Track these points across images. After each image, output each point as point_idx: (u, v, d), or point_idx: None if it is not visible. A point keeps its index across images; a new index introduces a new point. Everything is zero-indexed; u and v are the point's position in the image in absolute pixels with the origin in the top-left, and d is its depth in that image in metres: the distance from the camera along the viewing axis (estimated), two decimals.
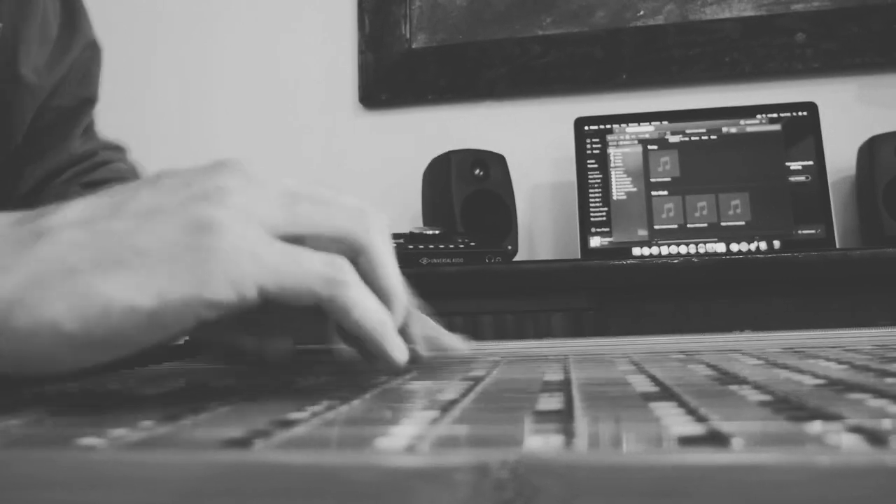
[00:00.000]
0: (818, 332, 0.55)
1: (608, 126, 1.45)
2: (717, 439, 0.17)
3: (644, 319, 1.07)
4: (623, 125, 1.45)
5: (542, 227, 1.64)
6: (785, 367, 0.33)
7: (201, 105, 1.75)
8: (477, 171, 1.42)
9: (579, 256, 1.40)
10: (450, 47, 1.66)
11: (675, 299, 1.09)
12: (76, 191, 0.60)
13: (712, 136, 1.42)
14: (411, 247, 1.16)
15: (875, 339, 0.49)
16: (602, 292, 1.08)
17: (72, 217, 0.24)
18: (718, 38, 1.57)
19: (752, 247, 1.36)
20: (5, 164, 0.60)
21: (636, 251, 1.39)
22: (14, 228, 0.24)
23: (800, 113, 1.41)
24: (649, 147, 1.43)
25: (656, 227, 1.40)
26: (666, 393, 0.25)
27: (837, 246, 1.35)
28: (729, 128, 1.42)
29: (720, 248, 1.37)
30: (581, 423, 0.19)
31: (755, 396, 0.23)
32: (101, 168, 0.64)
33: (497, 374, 0.33)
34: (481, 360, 0.40)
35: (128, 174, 0.65)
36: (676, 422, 0.18)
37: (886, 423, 0.18)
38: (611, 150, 1.44)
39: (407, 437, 0.18)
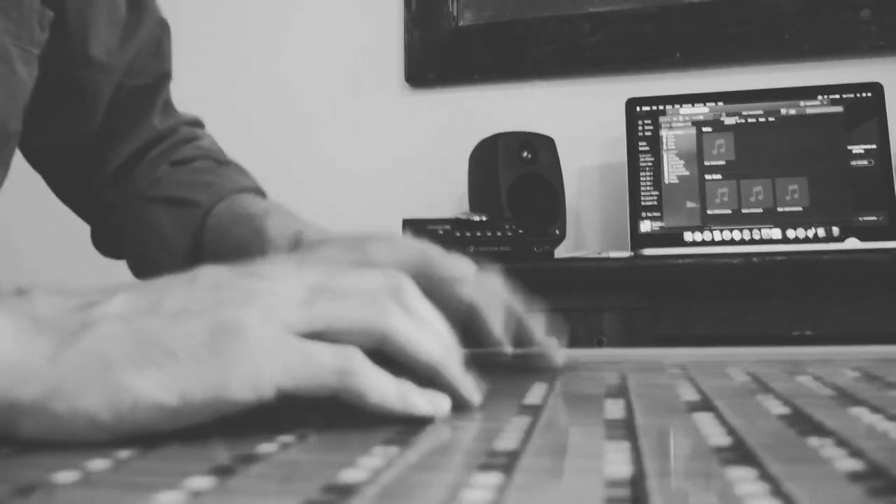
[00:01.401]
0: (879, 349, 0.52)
1: (661, 107, 1.41)
2: None
3: (697, 319, 1.04)
4: (676, 106, 1.41)
5: (591, 212, 1.61)
6: (865, 403, 0.31)
7: (244, 84, 1.75)
8: (525, 154, 1.39)
9: (629, 242, 1.37)
10: (497, 25, 1.63)
11: (729, 298, 1.06)
12: (165, 170, 0.61)
13: (770, 118, 1.37)
14: (458, 234, 1.14)
15: None
16: (654, 290, 1.05)
17: (113, 311, 0.26)
18: (777, 14, 1.51)
19: (810, 233, 1.32)
20: (89, 147, 0.60)
21: (688, 236, 1.35)
22: (67, 316, 0.26)
23: (863, 94, 1.35)
24: (703, 129, 1.39)
25: (709, 211, 1.36)
26: (741, 454, 0.23)
27: None
28: (788, 109, 1.37)
29: (776, 234, 1.33)
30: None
31: (842, 463, 0.21)
32: (187, 145, 0.64)
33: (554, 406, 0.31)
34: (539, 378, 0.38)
35: (211, 151, 0.64)
36: None
37: None
38: (663, 133, 1.40)
39: None
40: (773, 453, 0.23)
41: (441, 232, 1.13)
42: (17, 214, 1.63)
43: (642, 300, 1.03)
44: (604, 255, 1.38)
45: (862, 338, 0.62)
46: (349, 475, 0.21)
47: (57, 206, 0.67)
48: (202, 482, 0.20)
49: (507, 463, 0.22)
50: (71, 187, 0.64)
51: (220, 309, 0.26)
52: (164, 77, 0.63)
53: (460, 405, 0.30)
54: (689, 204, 1.37)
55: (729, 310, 1.03)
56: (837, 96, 1.35)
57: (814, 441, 0.24)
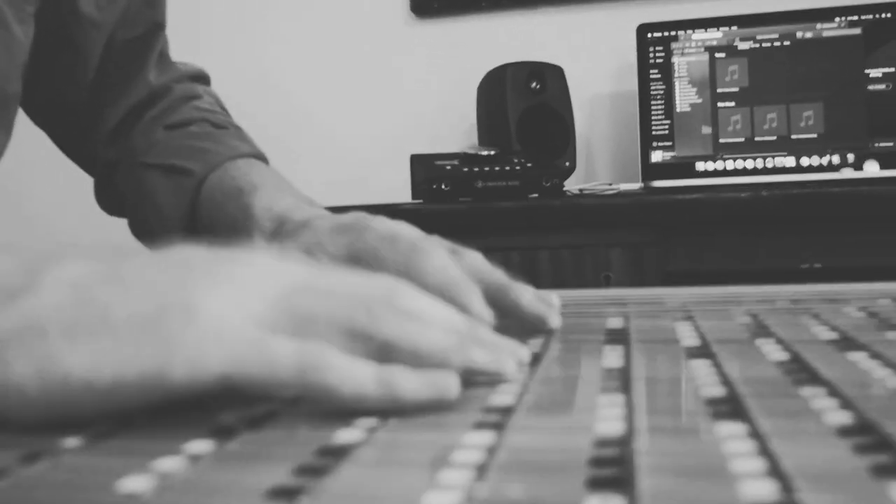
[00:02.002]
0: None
1: (673, 33, 1.38)
2: None
3: (705, 254, 1.03)
4: (689, 31, 1.37)
5: (602, 142, 1.59)
6: (864, 349, 0.31)
7: (253, 15, 1.71)
8: (533, 84, 1.37)
9: (639, 172, 1.36)
10: None
11: (738, 232, 1.05)
12: (160, 134, 0.60)
13: (785, 42, 1.33)
14: (466, 169, 1.13)
15: None
16: (662, 226, 1.04)
17: (67, 276, 0.24)
18: None
19: (825, 161, 1.30)
20: (87, 103, 0.60)
21: (700, 166, 1.34)
22: (12, 277, 0.24)
23: (883, 15, 1.31)
24: (717, 55, 1.36)
25: (722, 140, 1.34)
26: (732, 407, 0.23)
27: None
28: (804, 32, 1.33)
29: (790, 161, 1.31)
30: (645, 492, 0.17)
31: (832, 416, 0.22)
32: (184, 106, 0.62)
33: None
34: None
35: (210, 113, 0.62)
36: (750, 485, 0.17)
37: None
38: (675, 59, 1.37)
39: (456, 491, 0.17)
40: (765, 406, 0.23)
41: (449, 167, 1.12)
42: (27, 177, 1.63)
43: (650, 236, 1.02)
44: (614, 187, 1.37)
45: (873, 271, 0.62)
46: (344, 436, 0.21)
47: (63, 166, 0.67)
48: (201, 446, 0.21)
49: (499, 421, 0.22)
50: (74, 144, 0.63)
51: (180, 288, 0.24)
52: (157, 28, 0.61)
53: (493, 380, 0.27)
54: (702, 132, 1.35)
55: (738, 244, 1.02)
56: (856, 17, 1.31)
57: (807, 391, 0.24)
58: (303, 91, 1.69)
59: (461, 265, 0.38)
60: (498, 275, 0.39)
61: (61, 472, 0.19)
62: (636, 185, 1.36)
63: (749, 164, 1.32)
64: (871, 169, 1.27)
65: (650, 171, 1.35)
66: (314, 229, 0.43)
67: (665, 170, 1.34)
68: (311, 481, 0.18)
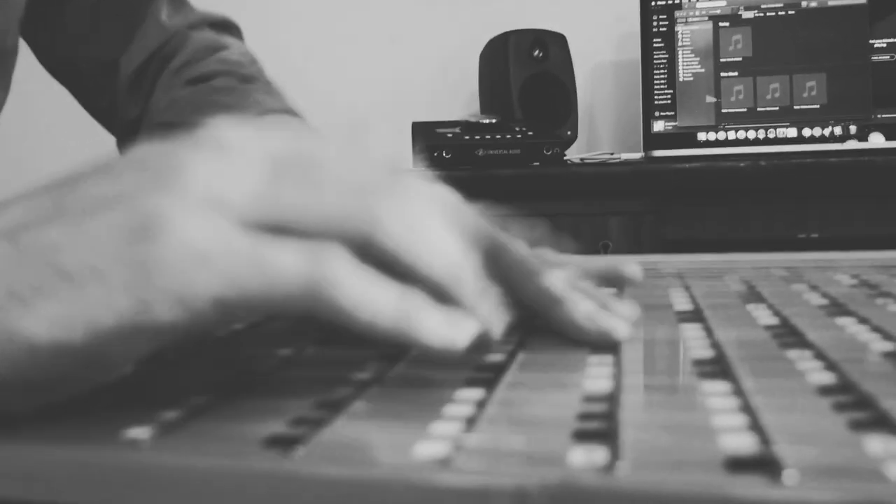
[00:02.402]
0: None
1: (676, 1, 1.37)
2: (766, 463, 0.16)
3: (704, 224, 1.04)
4: (693, 0, 1.36)
5: (604, 111, 1.58)
6: (851, 314, 0.31)
7: None
8: (536, 53, 1.36)
9: (641, 142, 1.35)
10: None
11: (737, 202, 1.05)
12: (182, 89, 0.56)
13: (790, 11, 1.32)
14: (467, 137, 1.13)
15: None
16: (661, 195, 1.04)
17: (3, 225, 0.19)
18: None
19: (826, 132, 1.29)
20: (99, 50, 0.56)
21: (702, 136, 1.34)
22: None
23: None
24: (720, 24, 1.35)
25: (724, 110, 1.33)
26: (720, 368, 0.24)
27: None
28: (809, 2, 1.32)
29: (791, 132, 1.31)
30: (627, 434, 0.18)
31: (815, 377, 0.22)
32: (209, 58, 0.57)
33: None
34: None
35: (237, 65, 0.57)
36: (730, 438, 0.17)
37: None
38: (679, 28, 1.36)
39: (444, 441, 0.18)
40: (751, 367, 0.23)
41: (450, 135, 1.12)
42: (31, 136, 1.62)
43: (648, 204, 1.03)
44: (615, 156, 1.37)
45: (870, 241, 0.62)
46: (340, 392, 0.22)
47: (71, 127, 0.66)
48: (201, 400, 0.22)
49: (491, 377, 0.23)
50: (91, 99, 0.60)
51: (137, 196, 0.19)
52: None
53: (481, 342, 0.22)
54: (704, 102, 1.34)
55: (735, 213, 1.03)
56: None
57: (793, 354, 0.25)
58: (304, 57, 1.68)
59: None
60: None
61: (66, 425, 0.20)
62: (638, 155, 1.36)
63: (751, 134, 1.32)
64: (877, 140, 1.27)
65: (652, 140, 1.35)
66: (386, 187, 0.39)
67: (667, 139, 1.34)
68: (307, 432, 0.19)
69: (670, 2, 1.37)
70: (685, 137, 1.34)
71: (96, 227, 0.19)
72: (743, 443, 0.17)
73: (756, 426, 0.18)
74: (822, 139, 1.29)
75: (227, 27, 0.62)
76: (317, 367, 0.25)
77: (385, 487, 0.16)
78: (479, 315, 0.22)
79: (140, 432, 0.19)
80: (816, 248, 0.57)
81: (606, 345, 0.27)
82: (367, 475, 0.16)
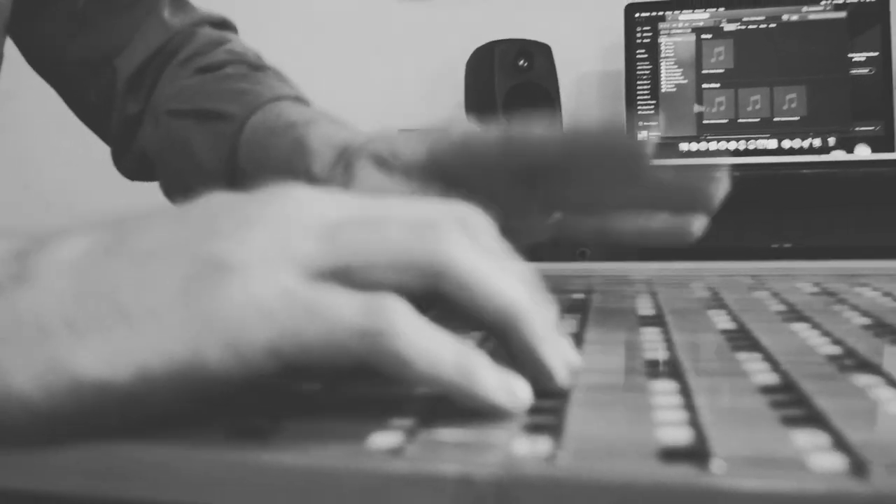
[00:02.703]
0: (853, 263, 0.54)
1: (660, 13, 1.39)
2: (698, 454, 0.17)
3: None
4: (676, 12, 1.38)
5: (588, 120, 1.60)
6: (807, 321, 0.32)
7: None
8: (521, 62, 1.38)
9: None
10: None
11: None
12: (191, 78, 0.54)
13: (771, 25, 1.35)
14: None
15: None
16: None
17: (62, 257, 0.20)
18: None
19: (805, 143, 1.31)
20: (93, 57, 0.56)
21: (683, 147, 1.35)
22: (2, 266, 0.20)
23: None
24: (703, 36, 1.37)
25: (706, 121, 1.35)
26: (670, 368, 0.25)
27: None
28: (790, 15, 1.34)
29: (771, 144, 1.33)
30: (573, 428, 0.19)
31: (759, 377, 0.23)
32: (216, 50, 0.56)
33: None
34: None
35: (244, 55, 0.56)
36: (668, 431, 0.18)
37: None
38: (662, 39, 1.38)
39: (400, 432, 0.19)
40: (701, 368, 0.24)
41: None
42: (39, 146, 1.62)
43: None
44: None
45: (841, 251, 0.63)
46: (308, 387, 0.23)
47: (77, 134, 0.64)
48: None
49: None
50: (81, 99, 0.58)
51: (202, 245, 0.19)
52: None
53: (539, 381, 0.21)
54: (686, 113, 1.36)
55: (710, 222, 1.03)
56: (841, 1, 1.33)
57: (742, 356, 0.26)
58: (292, 67, 1.69)
59: None
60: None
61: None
62: None
63: (732, 145, 1.34)
64: (863, 153, 1.28)
65: None
66: (386, 137, 0.38)
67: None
68: (273, 424, 0.19)
69: (654, 14, 1.39)
70: (667, 147, 1.36)
71: (159, 270, 0.19)
72: (679, 435, 0.18)
73: (694, 421, 0.19)
74: (802, 151, 1.31)
75: (227, 25, 0.61)
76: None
77: (336, 474, 0.17)
78: (548, 356, 0.21)
79: None
80: (788, 258, 0.58)
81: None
82: (319, 463, 0.17)
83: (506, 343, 0.21)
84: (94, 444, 0.18)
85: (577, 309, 0.36)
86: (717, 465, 0.16)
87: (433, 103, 1.61)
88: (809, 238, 1.01)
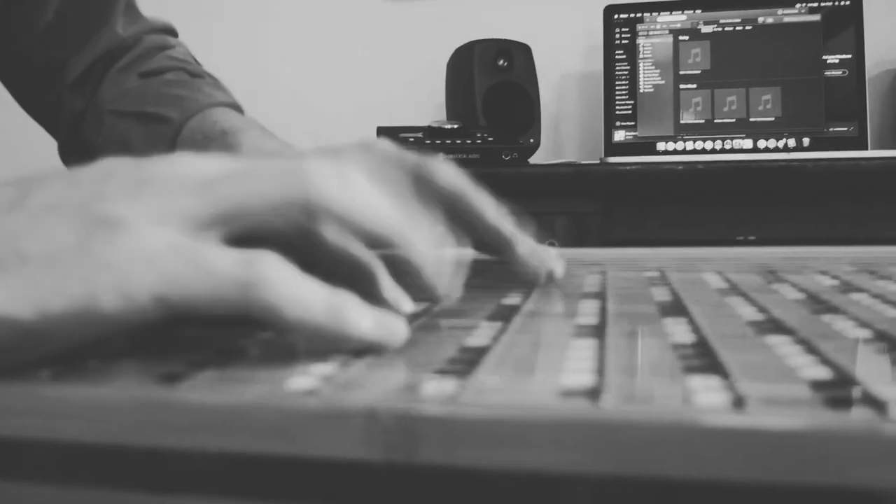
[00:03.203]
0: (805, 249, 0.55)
1: (639, 14, 1.40)
2: (592, 393, 0.18)
3: (648, 224, 1.07)
4: (654, 14, 1.40)
5: (568, 120, 1.61)
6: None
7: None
8: (501, 62, 1.39)
9: (602, 152, 1.39)
10: None
11: (678, 204, 1.08)
12: (134, 81, 0.58)
13: (747, 27, 1.37)
14: (428, 142, 1.16)
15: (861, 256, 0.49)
16: (609, 196, 1.07)
17: None
18: None
19: (780, 144, 1.33)
20: (48, 50, 0.58)
21: (661, 146, 1.37)
22: None
23: (842, 2, 1.34)
24: (680, 38, 1.39)
25: (683, 121, 1.37)
26: (594, 331, 0.26)
27: (869, 146, 1.31)
28: (765, 17, 1.36)
29: (747, 144, 1.35)
30: (483, 372, 0.20)
31: (679, 337, 0.24)
32: (158, 55, 0.60)
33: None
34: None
35: (185, 62, 0.60)
36: (572, 377, 0.20)
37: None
38: (640, 41, 1.40)
39: (317, 377, 0.20)
40: (622, 329, 0.26)
41: (412, 140, 1.15)
42: None
43: (594, 206, 1.06)
44: (574, 163, 1.40)
45: (803, 242, 0.65)
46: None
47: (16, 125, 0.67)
48: (116, 346, 0.23)
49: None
50: (35, 96, 0.62)
51: (96, 202, 0.22)
52: None
53: (428, 298, 0.25)
54: (663, 113, 1.38)
55: (677, 214, 1.06)
56: (816, 4, 1.35)
57: (668, 321, 0.27)
58: (276, 67, 1.70)
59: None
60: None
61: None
62: (595, 162, 1.39)
63: (708, 144, 1.35)
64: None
65: (612, 149, 1.38)
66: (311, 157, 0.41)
67: (627, 148, 1.37)
68: (197, 369, 0.20)
69: (632, 15, 1.40)
70: (644, 147, 1.37)
71: (58, 222, 0.21)
72: (580, 379, 0.19)
73: (600, 370, 0.20)
74: (776, 150, 1.33)
75: (170, 30, 0.65)
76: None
77: (253, 411, 0.18)
78: (432, 275, 0.24)
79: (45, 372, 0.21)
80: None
81: (543, 277, 0.35)
82: (237, 400, 0.18)
83: (390, 265, 0.24)
84: None
85: (526, 286, 0.37)
86: (605, 401, 0.17)
87: (416, 102, 1.63)
88: (773, 230, 1.03)
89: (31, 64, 0.59)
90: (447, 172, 0.35)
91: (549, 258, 0.37)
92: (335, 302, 0.22)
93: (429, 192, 0.33)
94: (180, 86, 0.57)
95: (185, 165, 0.23)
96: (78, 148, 0.61)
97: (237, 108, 0.58)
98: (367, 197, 0.23)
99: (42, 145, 0.69)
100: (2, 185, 0.23)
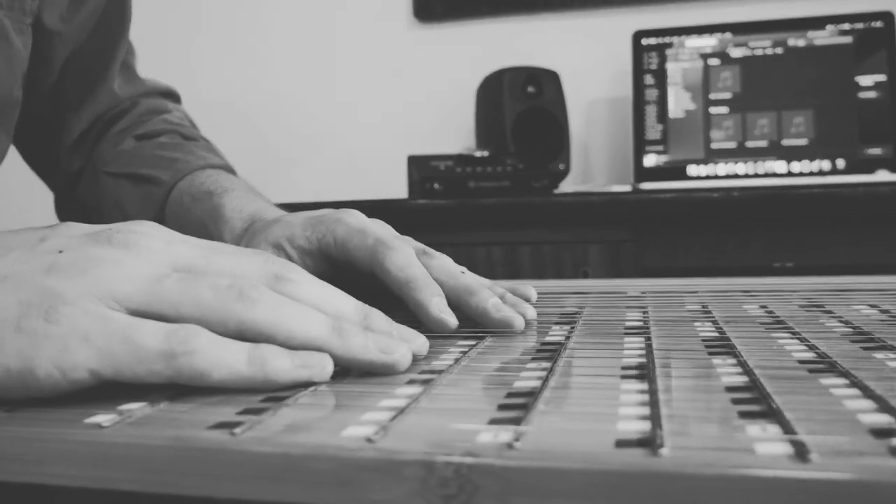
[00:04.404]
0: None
1: (667, 40, 1.40)
2: (647, 442, 0.18)
3: (682, 252, 1.06)
4: (683, 38, 1.39)
5: (598, 146, 1.61)
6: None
7: (253, 22, 1.75)
8: (530, 89, 1.40)
9: (632, 176, 1.38)
10: None
11: (714, 231, 1.07)
12: (129, 144, 0.60)
13: (777, 50, 1.36)
14: (459, 170, 1.16)
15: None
16: (642, 224, 1.07)
17: None
18: None
19: (814, 167, 1.32)
20: (51, 110, 0.60)
21: (692, 170, 1.36)
22: None
23: (874, 23, 1.33)
24: (710, 62, 1.38)
25: (714, 146, 1.36)
26: (644, 372, 0.26)
27: None
28: (796, 40, 1.35)
29: (780, 167, 1.33)
30: (536, 417, 0.20)
31: (728, 379, 0.24)
32: (154, 118, 0.62)
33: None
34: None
35: (179, 126, 0.62)
36: (627, 425, 0.19)
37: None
38: (669, 65, 1.40)
39: (372, 425, 0.20)
40: (672, 370, 0.25)
41: (443, 168, 1.15)
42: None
43: (628, 233, 1.05)
44: (606, 189, 1.39)
45: (843, 269, 0.64)
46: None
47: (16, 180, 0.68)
48: (161, 395, 0.24)
49: (430, 378, 0.25)
50: (37, 152, 0.64)
51: (43, 278, 0.24)
52: (118, 37, 0.62)
53: (382, 371, 0.26)
54: (694, 137, 1.37)
55: (712, 242, 1.04)
56: (847, 26, 1.34)
57: (717, 360, 0.27)
58: (305, 95, 1.72)
59: (430, 265, 0.37)
60: (466, 278, 0.37)
61: (36, 410, 0.22)
62: (627, 188, 1.39)
63: (740, 168, 1.34)
64: (884, 176, 1.28)
65: (643, 174, 1.37)
66: (285, 223, 0.43)
67: (658, 173, 1.37)
68: (252, 418, 0.21)
69: (661, 40, 1.40)
70: (675, 171, 1.37)
71: (4, 296, 0.24)
72: (635, 427, 0.19)
73: (655, 417, 0.20)
74: (811, 174, 1.31)
75: (170, 95, 0.67)
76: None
77: (309, 460, 0.18)
78: (362, 354, 0.26)
79: (102, 418, 0.21)
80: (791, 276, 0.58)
81: (508, 329, 0.34)
82: (293, 450, 0.18)
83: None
84: None
85: (569, 321, 0.37)
86: (664, 452, 0.17)
87: (445, 129, 1.64)
88: (810, 257, 1.02)
89: (36, 121, 0.61)
90: (403, 253, 0.36)
91: (518, 306, 0.37)
92: (256, 355, 0.24)
93: (383, 273, 0.36)
94: (174, 148, 0.59)
95: (143, 247, 0.26)
96: (74, 204, 0.63)
97: (229, 170, 0.59)
98: (303, 317, 0.26)
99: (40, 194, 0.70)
100: None
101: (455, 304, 0.35)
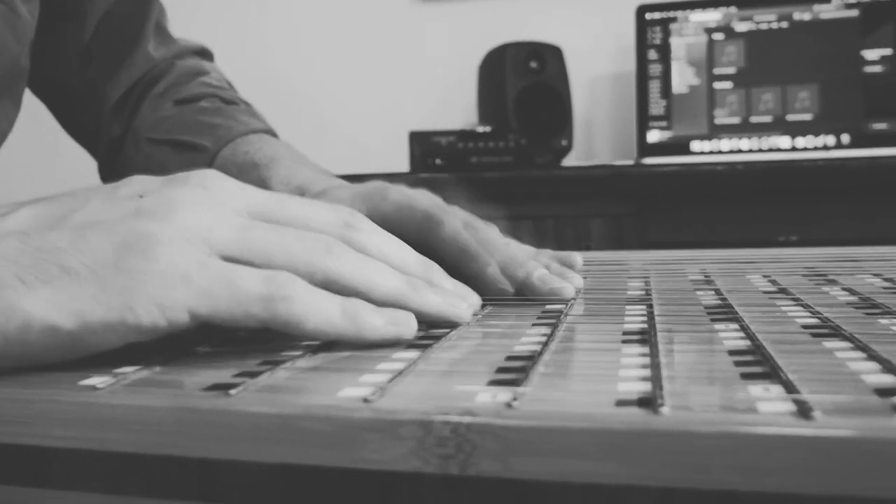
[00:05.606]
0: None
1: (671, 14, 1.39)
2: (648, 402, 0.17)
3: (685, 225, 1.05)
4: (687, 12, 1.38)
5: (601, 121, 1.60)
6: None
7: (255, 2, 1.73)
8: (532, 64, 1.39)
9: (635, 152, 1.37)
10: None
11: (717, 205, 1.07)
12: (170, 109, 0.60)
13: (782, 24, 1.34)
14: (461, 146, 1.15)
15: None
16: (645, 198, 1.06)
17: (13, 226, 0.24)
18: None
19: (819, 142, 1.31)
20: (87, 77, 0.60)
21: (696, 146, 1.35)
22: None
23: None
24: (714, 36, 1.37)
25: (717, 121, 1.35)
26: (644, 337, 0.25)
27: None
28: (801, 14, 1.34)
29: (784, 142, 1.32)
30: (534, 381, 0.20)
31: (731, 343, 0.24)
32: (193, 81, 0.62)
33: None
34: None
35: (219, 89, 0.62)
36: (627, 386, 0.19)
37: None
38: (673, 40, 1.38)
39: (369, 387, 0.19)
40: (674, 335, 0.25)
41: (444, 143, 1.14)
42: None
43: (630, 207, 1.04)
44: (608, 164, 1.39)
45: (847, 242, 0.63)
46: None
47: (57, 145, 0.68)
48: (160, 358, 0.23)
49: (430, 343, 0.25)
50: (76, 120, 0.63)
51: (133, 221, 0.23)
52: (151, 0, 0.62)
53: (449, 324, 0.27)
54: (698, 113, 1.36)
55: (715, 216, 1.04)
56: (853, 0, 1.32)
57: (720, 325, 0.27)
58: (307, 70, 1.71)
59: (475, 237, 0.37)
60: (512, 249, 0.38)
61: (31, 374, 0.22)
62: (630, 162, 1.38)
63: (744, 143, 1.34)
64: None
65: (647, 150, 1.37)
66: (333, 198, 0.42)
67: (661, 149, 1.36)
68: (248, 380, 0.20)
69: (665, 15, 1.39)
70: (679, 147, 1.36)
71: (98, 239, 0.23)
72: (635, 387, 0.19)
73: (656, 377, 0.20)
74: (815, 149, 1.31)
75: (204, 53, 0.66)
76: (269, 340, 0.26)
77: (304, 421, 0.18)
78: (438, 309, 0.27)
79: (96, 380, 0.21)
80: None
81: (558, 300, 0.34)
82: (288, 411, 0.18)
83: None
84: None
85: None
86: (665, 411, 0.17)
87: (448, 105, 1.63)
88: (814, 230, 1.01)
89: (71, 87, 0.60)
90: (452, 225, 0.37)
91: (565, 275, 0.37)
92: (349, 308, 0.24)
93: (435, 244, 0.36)
94: (214, 113, 0.59)
95: (224, 193, 0.26)
96: (117, 172, 0.63)
97: (271, 134, 0.59)
98: (378, 271, 0.27)
99: (83, 162, 0.70)
100: (44, 203, 0.25)
101: (503, 274, 0.36)
